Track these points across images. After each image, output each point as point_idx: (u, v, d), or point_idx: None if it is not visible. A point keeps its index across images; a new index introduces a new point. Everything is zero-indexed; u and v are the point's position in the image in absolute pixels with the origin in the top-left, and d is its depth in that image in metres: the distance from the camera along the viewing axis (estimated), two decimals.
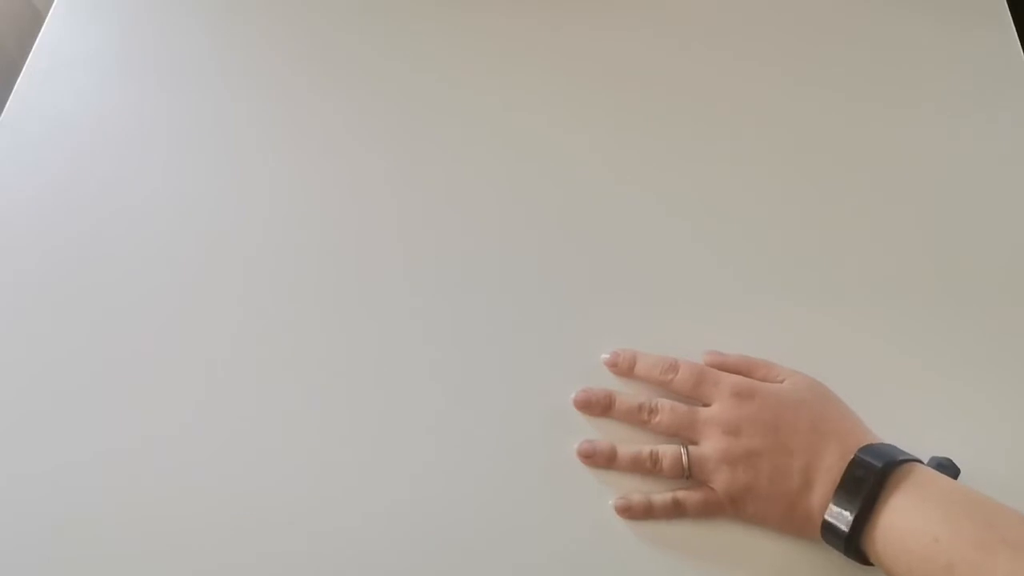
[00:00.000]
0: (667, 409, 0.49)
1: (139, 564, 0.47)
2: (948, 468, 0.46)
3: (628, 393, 0.51)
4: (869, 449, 0.44)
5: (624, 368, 0.52)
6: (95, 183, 0.60)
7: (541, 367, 0.53)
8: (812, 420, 0.46)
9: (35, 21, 0.69)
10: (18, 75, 0.65)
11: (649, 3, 0.70)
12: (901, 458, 0.43)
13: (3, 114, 0.63)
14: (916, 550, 0.40)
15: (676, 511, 0.47)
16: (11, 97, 0.64)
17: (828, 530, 0.43)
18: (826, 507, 0.43)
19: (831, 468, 0.44)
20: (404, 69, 0.66)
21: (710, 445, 0.47)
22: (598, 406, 0.51)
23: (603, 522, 0.48)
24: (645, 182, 0.61)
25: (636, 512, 0.48)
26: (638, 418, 0.50)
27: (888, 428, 0.47)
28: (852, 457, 0.44)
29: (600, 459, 0.49)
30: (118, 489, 0.49)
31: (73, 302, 0.55)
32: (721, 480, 0.46)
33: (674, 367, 0.50)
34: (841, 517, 0.43)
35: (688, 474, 0.48)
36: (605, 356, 0.53)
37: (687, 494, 0.47)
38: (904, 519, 0.41)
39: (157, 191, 0.60)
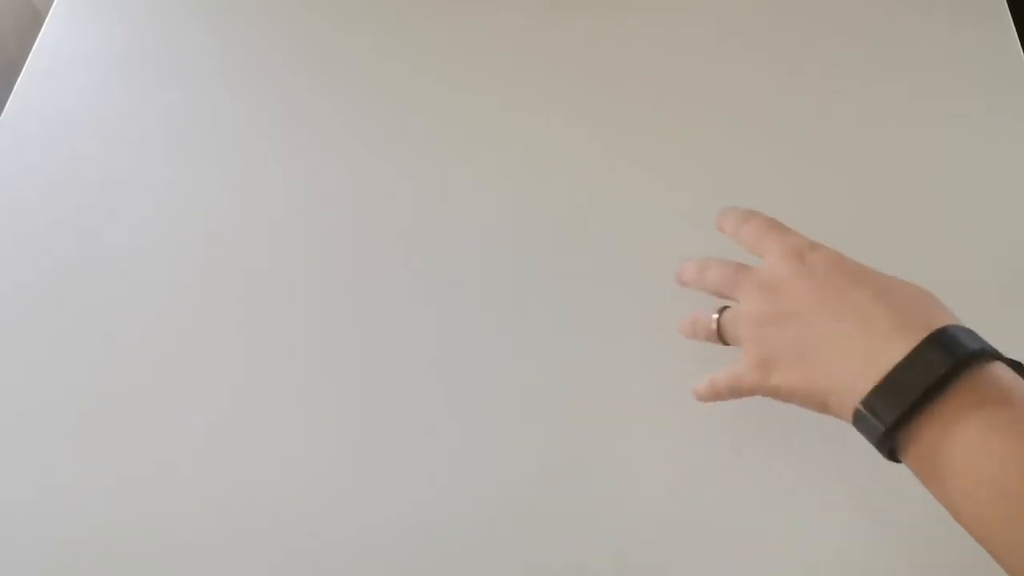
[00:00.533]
0: (713, 264, 0.44)
1: (140, 564, 0.47)
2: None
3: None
4: (951, 330, 0.35)
5: (691, 277, 0.46)
6: (95, 183, 0.60)
7: (543, 367, 0.53)
8: (876, 287, 0.38)
9: (35, 21, 0.69)
10: (18, 75, 0.65)
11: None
12: (988, 348, 0.35)
13: (3, 114, 0.63)
14: (989, 477, 0.32)
15: (714, 393, 0.43)
16: (11, 97, 0.64)
17: (872, 409, 0.35)
18: (870, 387, 0.35)
19: (892, 338, 0.35)
20: (404, 68, 0.66)
21: (743, 305, 0.41)
22: (687, 271, 0.46)
23: (604, 522, 0.48)
24: (646, 179, 0.61)
25: (702, 394, 0.44)
26: (696, 279, 0.45)
27: None
28: (934, 329, 0.35)
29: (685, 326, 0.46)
30: (119, 488, 0.49)
31: (73, 302, 0.55)
32: (746, 344, 0.40)
33: (704, 264, 0.45)
34: (886, 403, 0.34)
35: (722, 340, 0.43)
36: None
37: (718, 374, 0.42)
38: (984, 436, 0.33)
39: (157, 191, 0.60)
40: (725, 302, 0.44)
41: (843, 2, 0.70)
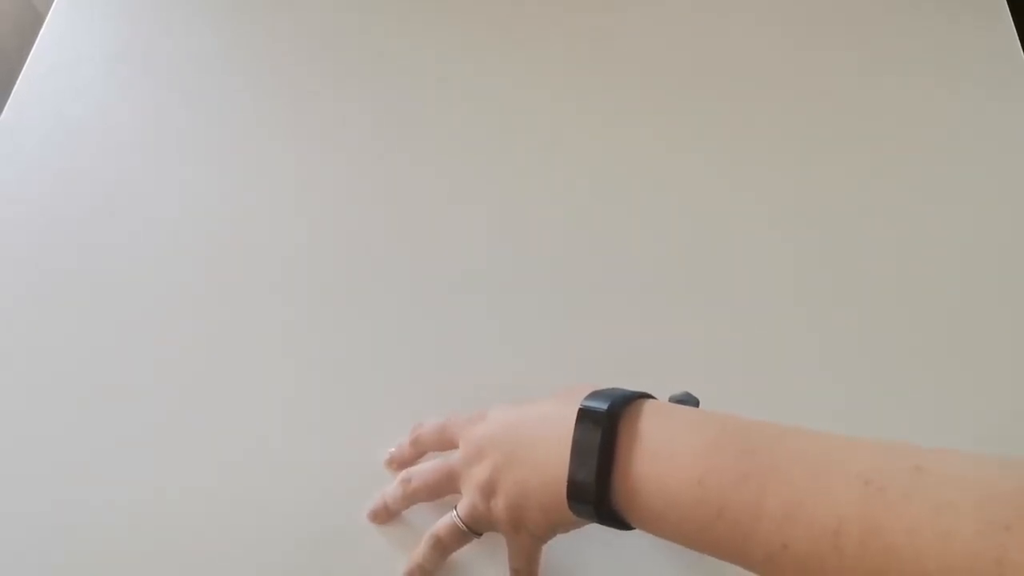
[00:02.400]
0: (418, 472, 0.46)
1: (140, 565, 0.47)
2: (688, 403, 0.41)
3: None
4: (594, 395, 0.38)
5: (397, 462, 0.49)
6: (95, 183, 0.60)
7: (546, 367, 0.53)
8: (542, 405, 0.41)
9: (35, 22, 0.69)
10: (18, 76, 0.65)
11: None
12: (628, 395, 0.38)
13: (3, 114, 0.63)
14: (681, 500, 0.34)
15: (441, 547, 0.45)
16: (11, 97, 0.64)
17: (574, 498, 0.37)
18: (562, 483, 0.37)
19: (561, 438, 0.37)
20: (409, 66, 0.66)
21: (467, 489, 0.43)
22: (380, 511, 0.48)
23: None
24: (648, 177, 0.61)
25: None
26: (400, 495, 0.47)
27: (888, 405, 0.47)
28: (577, 410, 0.37)
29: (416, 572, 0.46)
30: (118, 489, 0.49)
31: (72, 301, 0.55)
32: (497, 518, 0.41)
33: (417, 426, 0.48)
34: (583, 481, 0.36)
35: (476, 531, 0.44)
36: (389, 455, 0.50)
37: (512, 563, 0.44)
38: (655, 465, 0.35)
39: (157, 191, 0.60)
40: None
41: (843, 3, 0.70)
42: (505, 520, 0.41)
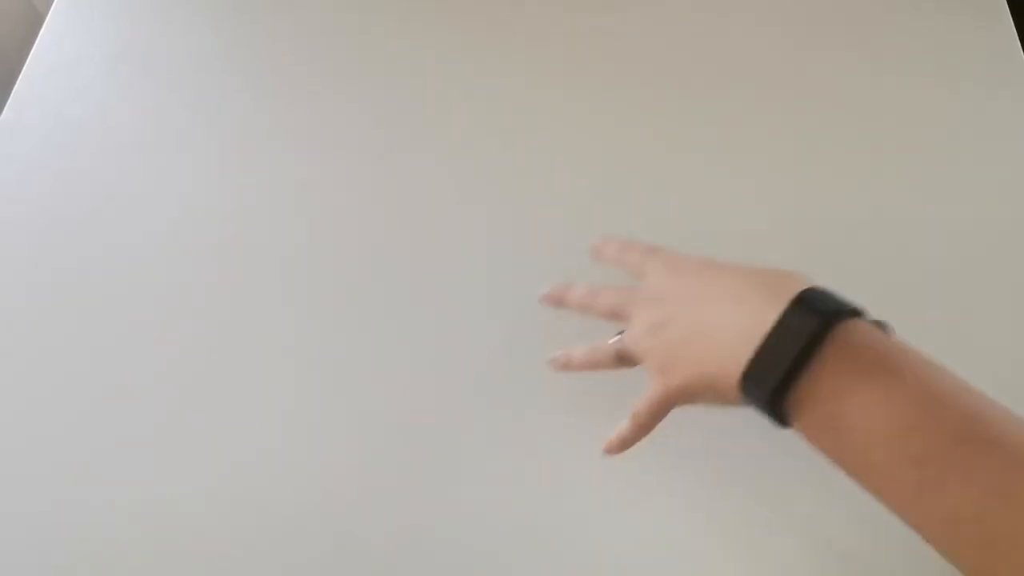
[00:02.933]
0: (608, 288, 0.46)
1: (141, 565, 0.47)
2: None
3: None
4: (816, 290, 0.37)
5: (554, 302, 0.50)
6: (95, 183, 0.60)
7: (547, 367, 0.53)
8: (743, 273, 0.40)
9: (35, 22, 0.69)
10: (18, 76, 0.65)
11: None
12: (852, 307, 0.37)
13: (3, 114, 0.63)
14: (884, 433, 0.33)
15: (638, 427, 0.43)
16: (11, 97, 0.64)
17: (750, 379, 0.36)
18: (751, 355, 0.36)
19: (762, 310, 0.36)
20: (408, 65, 0.66)
21: (636, 320, 0.43)
22: (554, 297, 0.49)
23: (608, 526, 0.48)
24: (648, 177, 0.61)
25: (614, 447, 0.44)
26: (588, 303, 0.47)
27: None
28: (800, 290, 0.36)
29: (560, 363, 0.48)
30: (118, 490, 0.49)
31: (73, 301, 0.55)
32: (648, 353, 0.42)
33: (595, 290, 0.47)
34: (766, 370, 0.35)
35: (627, 360, 0.44)
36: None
37: (640, 403, 0.43)
38: (872, 389, 0.34)
39: (158, 191, 0.60)
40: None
41: (844, 4, 0.70)
42: (657, 359, 0.41)
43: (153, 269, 0.57)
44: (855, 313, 0.37)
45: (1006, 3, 0.69)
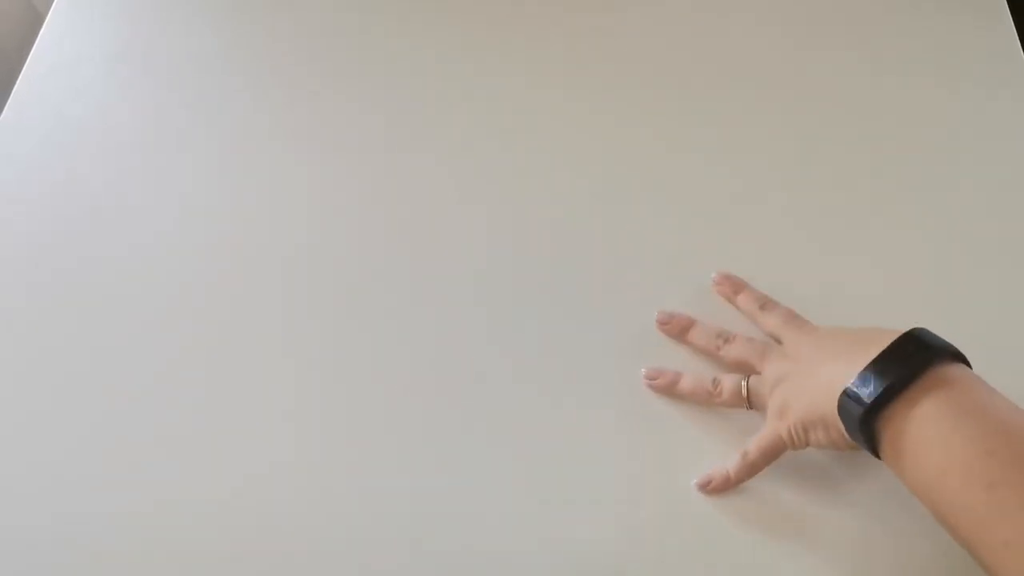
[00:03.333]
0: (742, 339, 0.50)
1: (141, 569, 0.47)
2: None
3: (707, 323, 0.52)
4: (919, 331, 0.40)
5: (676, 331, 0.53)
6: (95, 183, 0.60)
7: (549, 367, 0.53)
8: (864, 334, 0.44)
9: (35, 22, 0.69)
10: (18, 76, 0.65)
11: None
12: (956, 351, 0.40)
13: (3, 114, 0.63)
14: (961, 457, 0.35)
15: (747, 465, 0.46)
16: (11, 97, 0.64)
17: (850, 395, 0.39)
18: (852, 377, 0.39)
19: (864, 352, 0.40)
20: (409, 65, 0.66)
21: (768, 371, 0.47)
22: (677, 326, 0.52)
23: (607, 525, 0.48)
24: (648, 177, 0.61)
25: (717, 485, 0.47)
26: (713, 344, 0.51)
27: None
28: (898, 336, 0.40)
29: (663, 381, 0.50)
30: (119, 493, 0.49)
31: (72, 302, 0.55)
32: (771, 399, 0.46)
33: (727, 337, 0.51)
34: (867, 385, 0.38)
35: (748, 404, 0.48)
36: (661, 314, 0.53)
37: (751, 443, 0.47)
38: (954, 417, 0.36)
39: (158, 192, 0.60)
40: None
41: (844, 4, 0.70)
42: (776, 405, 0.45)
43: (153, 269, 0.57)
44: (955, 355, 0.40)
45: (1006, 3, 0.69)
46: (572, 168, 0.61)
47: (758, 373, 0.48)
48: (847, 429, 0.40)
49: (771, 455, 0.46)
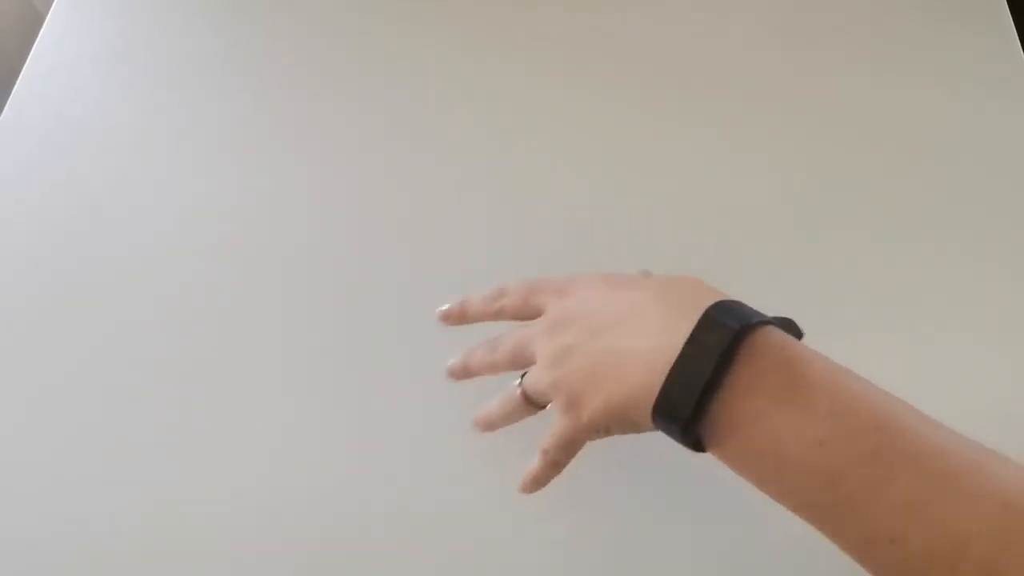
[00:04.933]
0: (507, 338, 0.43)
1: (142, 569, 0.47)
2: (792, 330, 0.37)
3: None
4: (723, 306, 0.34)
5: (456, 316, 0.46)
6: (95, 183, 0.60)
7: None
8: (641, 288, 0.38)
9: (35, 22, 0.69)
10: (18, 75, 0.65)
11: None
12: (763, 318, 0.34)
13: (3, 114, 0.63)
14: (794, 455, 0.31)
15: (550, 464, 0.41)
16: (11, 97, 0.64)
17: (662, 413, 0.34)
18: (660, 384, 0.33)
19: (669, 330, 0.34)
20: (409, 65, 0.66)
21: (538, 357, 0.40)
22: (457, 369, 0.45)
23: (606, 526, 0.48)
24: (649, 176, 0.61)
25: (527, 487, 0.42)
26: (492, 358, 0.43)
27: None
28: (701, 314, 0.34)
29: (483, 420, 0.44)
30: (119, 494, 0.49)
31: (72, 301, 0.55)
32: (553, 389, 0.38)
33: (502, 291, 0.44)
34: (678, 399, 0.33)
35: (535, 403, 0.41)
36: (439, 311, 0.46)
37: (547, 439, 0.40)
38: (778, 410, 0.32)
39: (158, 191, 0.60)
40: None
41: (844, 4, 0.70)
42: (563, 396, 0.38)
43: (153, 269, 0.56)
44: (759, 323, 0.34)
45: (1006, 3, 0.69)
46: (572, 168, 0.61)
47: (530, 362, 0.41)
48: (667, 434, 0.35)
49: (572, 451, 0.40)
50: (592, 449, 0.40)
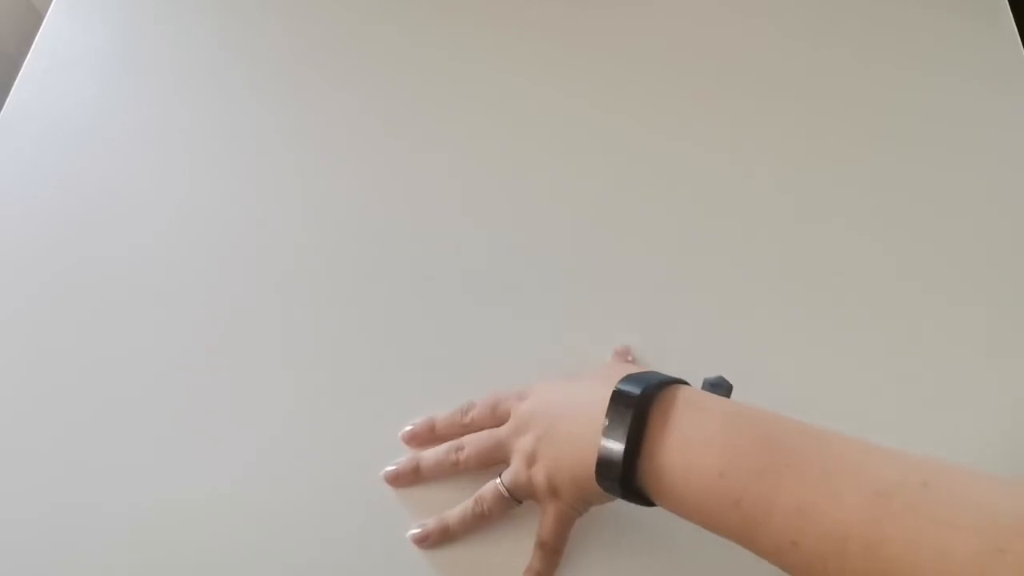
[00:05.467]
0: (470, 441, 0.48)
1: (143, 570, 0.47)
2: (721, 388, 0.43)
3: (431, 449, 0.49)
4: (629, 378, 0.40)
5: (425, 436, 0.50)
6: (94, 183, 0.60)
7: (552, 368, 0.53)
8: (587, 376, 0.44)
9: (35, 21, 0.69)
10: (17, 75, 0.64)
11: None
12: (662, 380, 0.40)
13: (2, 114, 0.63)
14: (702, 488, 0.36)
15: (551, 552, 0.46)
16: (10, 97, 0.63)
17: (602, 475, 0.39)
18: (591, 464, 0.39)
19: (594, 417, 0.40)
20: (410, 65, 0.66)
21: (513, 458, 0.46)
22: (406, 473, 0.49)
23: (605, 523, 0.48)
24: (652, 174, 0.61)
25: (531, 574, 0.47)
26: (449, 462, 0.48)
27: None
28: (612, 390, 0.39)
29: (434, 535, 0.47)
30: (119, 495, 0.49)
31: (72, 301, 0.55)
32: (536, 485, 0.44)
33: (469, 405, 0.49)
34: (611, 460, 0.38)
35: (518, 499, 0.46)
36: (405, 432, 0.51)
37: (541, 530, 0.46)
38: (682, 453, 0.37)
39: (157, 191, 0.60)
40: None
41: (844, 4, 0.70)
42: (543, 488, 0.44)
43: (153, 269, 0.56)
44: (672, 383, 0.40)
45: (1006, 3, 0.69)
46: (573, 168, 0.61)
47: (508, 462, 0.46)
48: (619, 497, 0.40)
49: (567, 533, 0.46)
50: None
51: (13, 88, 0.64)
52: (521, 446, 0.45)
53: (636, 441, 0.38)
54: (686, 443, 0.37)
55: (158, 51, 0.67)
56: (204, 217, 0.59)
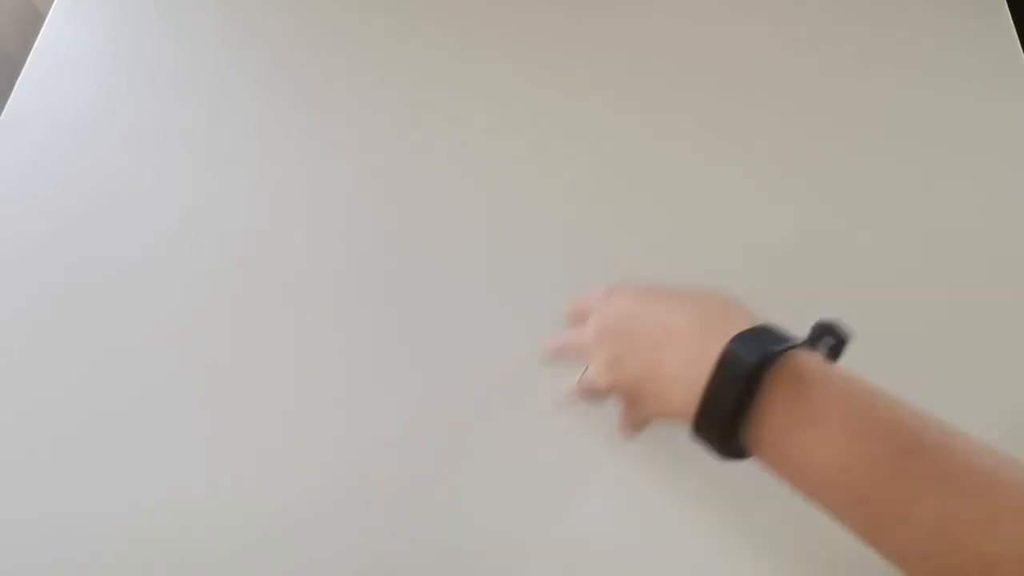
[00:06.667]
0: (572, 334, 0.48)
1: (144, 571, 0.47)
2: (833, 336, 0.40)
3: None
4: (744, 338, 0.37)
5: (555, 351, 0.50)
6: (95, 182, 0.60)
7: (553, 367, 0.53)
8: (676, 308, 0.41)
9: (35, 21, 0.69)
10: (18, 75, 0.65)
11: None
12: (778, 348, 0.36)
13: (3, 114, 0.63)
14: (820, 479, 0.34)
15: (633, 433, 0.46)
16: (11, 97, 0.64)
17: (700, 429, 0.37)
18: (694, 413, 0.37)
19: (699, 360, 0.37)
20: (411, 65, 0.66)
21: (593, 364, 0.44)
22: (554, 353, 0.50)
23: (604, 525, 0.48)
24: (652, 174, 0.61)
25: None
26: (565, 342, 0.48)
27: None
28: (724, 348, 0.36)
29: (585, 395, 0.48)
30: (121, 492, 0.49)
31: (71, 302, 0.55)
32: (614, 391, 0.44)
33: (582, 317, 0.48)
34: (712, 420, 0.36)
35: (599, 394, 0.46)
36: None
37: (577, 383, 0.47)
38: (797, 440, 0.34)
39: (157, 190, 0.60)
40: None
41: (844, 4, 0.70)
42: (623, 396, 0.43)
43: (154, 269, 0.56)
44: (782, 352, 0.36)
45: (1006, 3, 0.69)
46: (574, 167, 0.61)
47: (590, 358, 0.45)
48: (708, 446, 0.38)
49: (643, 428, 0.46)
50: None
51: (15, 88, 0.64)
52: (602, 356, 0.43)
53: (743, 406, 0.35)
54: (801, 427, 0.34)
55: (159, 51, 0.67)
56: (204, 217, 0.59)
